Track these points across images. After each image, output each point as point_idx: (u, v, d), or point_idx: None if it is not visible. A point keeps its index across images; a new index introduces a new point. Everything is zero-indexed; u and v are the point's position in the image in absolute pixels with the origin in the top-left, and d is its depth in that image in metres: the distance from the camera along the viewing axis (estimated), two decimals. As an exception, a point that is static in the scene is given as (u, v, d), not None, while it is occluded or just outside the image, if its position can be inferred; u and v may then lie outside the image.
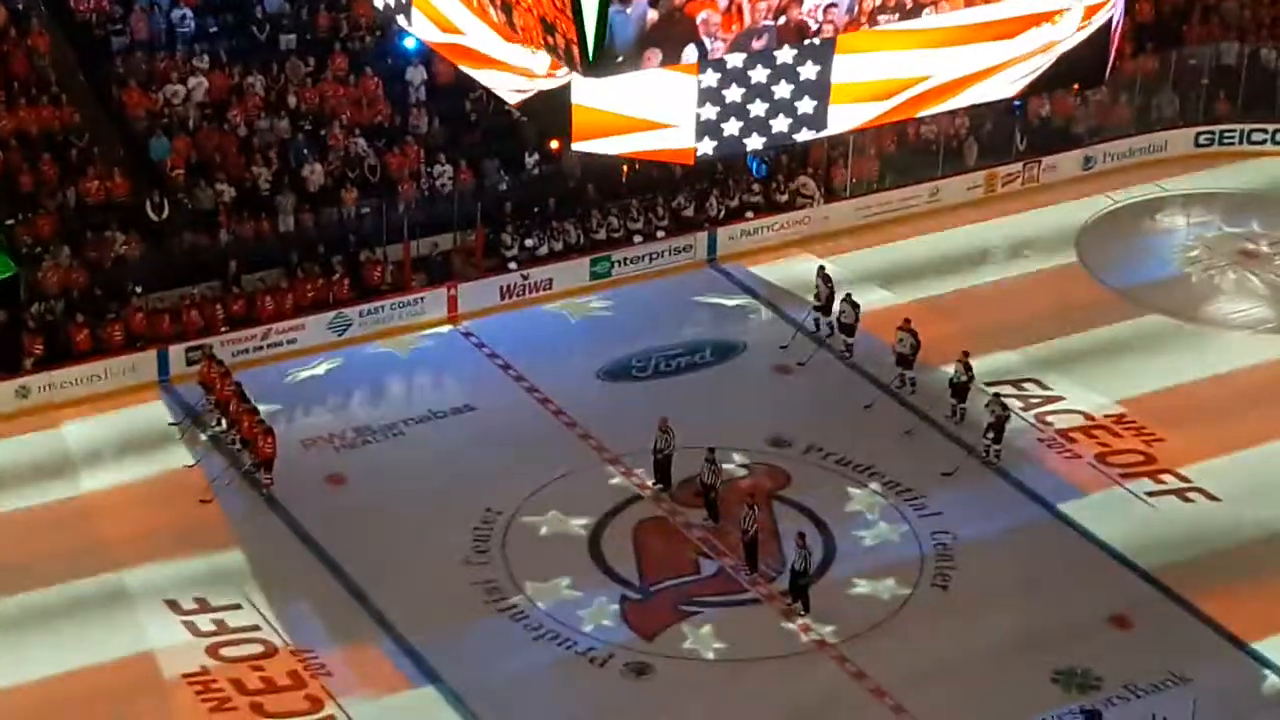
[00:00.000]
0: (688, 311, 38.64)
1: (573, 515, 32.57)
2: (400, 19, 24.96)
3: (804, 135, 21.59)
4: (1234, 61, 44.53)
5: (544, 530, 32.28)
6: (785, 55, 21.00)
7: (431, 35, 24.31)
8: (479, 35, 22.83)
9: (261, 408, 33.70)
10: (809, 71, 21.15)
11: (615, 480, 33.48)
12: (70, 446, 34.23)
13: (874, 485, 33.31)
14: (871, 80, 21.68)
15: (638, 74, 20.47)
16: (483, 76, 23.58)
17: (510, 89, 22.72)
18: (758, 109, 21.10)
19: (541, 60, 21.30)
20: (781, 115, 21.19)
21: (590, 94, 20.73)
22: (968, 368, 34.74)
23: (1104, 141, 43.69)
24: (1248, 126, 44.18)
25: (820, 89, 21.29)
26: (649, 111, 20.90)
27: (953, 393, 34.84)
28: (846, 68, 21.35)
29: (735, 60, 20.75)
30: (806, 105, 21.30)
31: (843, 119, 21.77)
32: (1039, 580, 31.27)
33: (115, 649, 29.62)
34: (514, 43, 21.99)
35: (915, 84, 22.13)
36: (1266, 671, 29.17)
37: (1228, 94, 44.26)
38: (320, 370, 36.22)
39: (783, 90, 21.16)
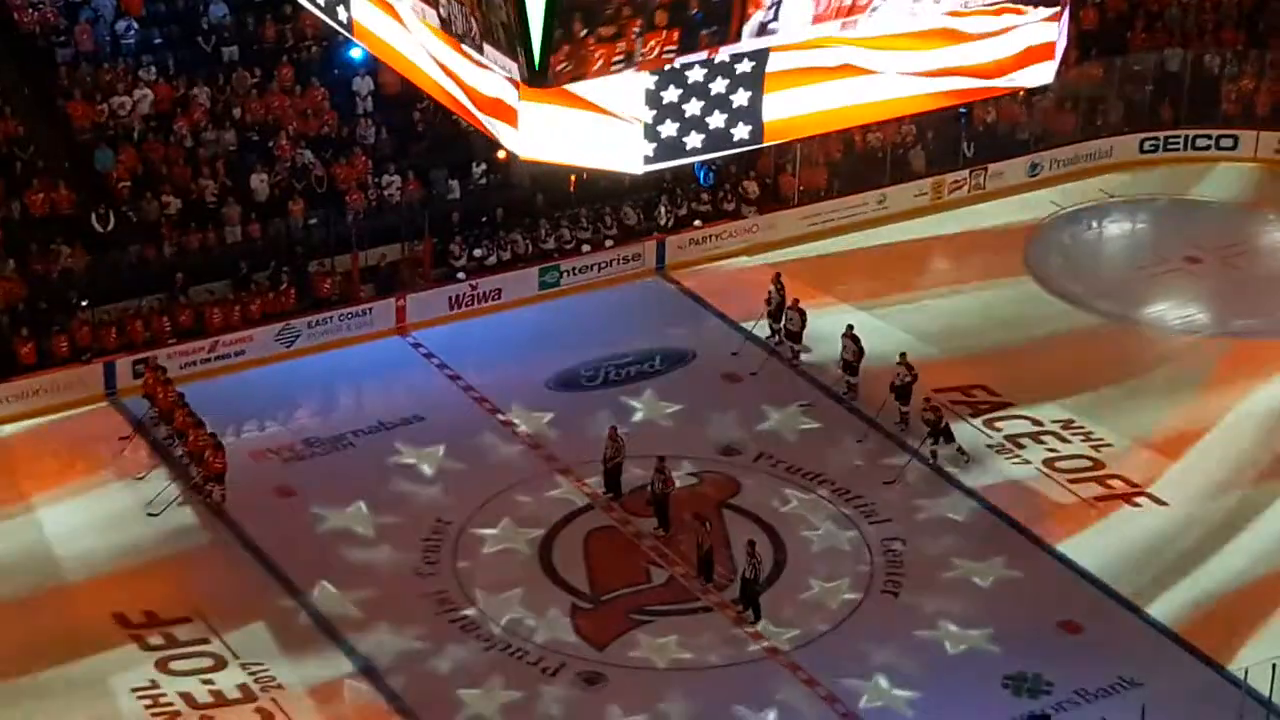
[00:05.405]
0: (637, 320, 38.65)
1: (523, 525, 32.53)
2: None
3: (740, 129, 21.32)
4: (1178, 68, 44.76)
5: (494, 541, 32.23)
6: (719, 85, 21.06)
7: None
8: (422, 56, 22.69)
9: (208, 419, 33.59)
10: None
11: (566, 490, 33.47)
12: (16, 460, 34.02)
13: (824, 492, 33.36)
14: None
15: (585, 82, 20.38)
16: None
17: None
18: (693, 107, 21.06)
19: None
20: (717, 111, 21.14)
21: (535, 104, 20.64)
22: (909, 368, 34.82)
23: (1049, 148, 43.86)
24: (1192, 132, 44.39)
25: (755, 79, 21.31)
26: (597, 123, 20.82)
27: (895, 396, 34.92)
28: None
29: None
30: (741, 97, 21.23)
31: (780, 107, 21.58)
32: (989, 586, 31.38)
33: (63, 663, 29.42)
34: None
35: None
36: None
37: (1172, 100, 44.51)
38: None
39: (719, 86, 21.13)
